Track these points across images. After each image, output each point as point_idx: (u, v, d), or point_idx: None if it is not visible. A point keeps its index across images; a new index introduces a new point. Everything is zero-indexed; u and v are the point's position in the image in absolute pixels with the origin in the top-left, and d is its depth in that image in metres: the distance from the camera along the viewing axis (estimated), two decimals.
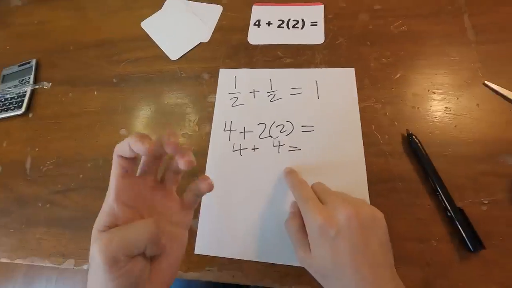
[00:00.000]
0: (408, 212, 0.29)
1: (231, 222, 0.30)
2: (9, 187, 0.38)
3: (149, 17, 0.48)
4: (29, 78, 0.45)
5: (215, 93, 0.39)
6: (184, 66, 0.42)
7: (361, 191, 0.30)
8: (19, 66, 0.46)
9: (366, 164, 0.31)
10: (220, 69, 0.41)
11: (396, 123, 0.33)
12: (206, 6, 0.47)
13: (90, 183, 0.36)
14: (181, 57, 0.43)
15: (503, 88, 0.34)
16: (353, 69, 0.37)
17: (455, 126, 0.33)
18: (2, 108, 0.43)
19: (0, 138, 0.42)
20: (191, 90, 0.40)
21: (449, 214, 0.27)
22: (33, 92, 0.44)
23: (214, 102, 0.38)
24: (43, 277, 1.06)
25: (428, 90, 0.35)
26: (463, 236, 0.26)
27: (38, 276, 1.07)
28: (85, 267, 0.32)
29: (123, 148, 0.20)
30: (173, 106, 0.40)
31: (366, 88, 0.36)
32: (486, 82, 0.34)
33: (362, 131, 0.33)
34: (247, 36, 0.43)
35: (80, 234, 0.34)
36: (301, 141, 0.33)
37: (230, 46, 0.43)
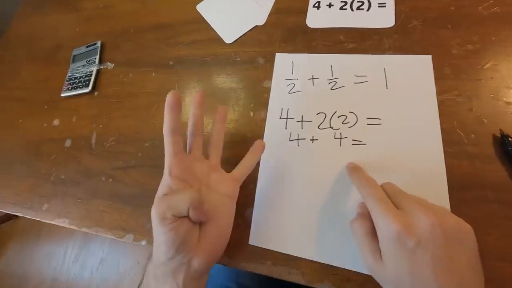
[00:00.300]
0: (502, 227, 0.25)
1: (287, 215, 0.29)
2: (77, 159, 0.42)
3: (204, 0, 0.47)
4: (95, 58, 0.47)
5: (270, 78, 0.37)
6: (238, 49, 0.41)
7: (440, 197, 0.26)
8: (87, 47, 0.50)
9: (446, 166, 0.27)
10: (276, 54, 0.39)
11: (485, 121, 0.29)
12: None
13: (148, 162, 0.38)
14: (236, 40, 0.42)
15: None
16: (430, 56, 0.33)
17: None
18: (72, 86, 0.47)
19: (70, 113, 0.46)
20: (246, 75, 0.39)
21: None
22: (98, 72, 0.47)
23: (270, 87, 0.37)
24: (98, 237, 1.19)
25: None
26: None
27: (95, 235, 1.21)
28: (143, 243, 0.34)
29: (171, 119, 0.25)
30: (227, 90, 0.39)
31: (447, 79, 0.31)
32: None
33: (441, 127, 0.29)
34: (305, 19, 0.40)
35: (139, 211, 0.36)
36: (367, 134, 0.30)
37: (287, 29, 0.40)
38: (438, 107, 0.30)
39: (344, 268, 0.26)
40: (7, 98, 0.53)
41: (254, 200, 0.31)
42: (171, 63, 0.44)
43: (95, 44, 0.49)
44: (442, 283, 0.18)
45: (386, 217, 0.20)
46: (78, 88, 0.46)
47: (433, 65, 0.32)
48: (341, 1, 0.40)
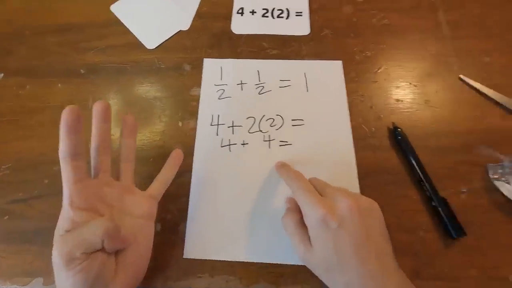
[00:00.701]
0: (396, 204, 0.30)
1: (221, 222, 0.29)
2: None
3: (118, 0, 0.43)
4: None
5: (198, 85, 0.37)
6: (162, 56, 0.39)
7: (352, 185, 0.30)
8: None
9: (356, 158, 0.31)
10: (205, 59, 0.38)
11: (381, 116, 0.34)
12: None
13: (59, 188, 0.32)
14: (159, 46, 0.40)
15: (476, 82, 0.36)
16: (341, 62, 0.37)
17: (434, 119, 0.34)
18: None
19: None
20: (172, 83, 0.37)
21: (433, 204, 0.29)
22: None
23: (198, 95, 0.36)
24: None
25: (410, 83, 0.36)
26: (447, 225, 0.27)
27: None
28: None
29: (66, 142, 0.21)
30: (152, 99, 0.36)
31: (353, 81, 0.36)
32: (461, 76, 0.36)
33: (351, 124, 0.33)
34: (230, 24, 0.41)
35: (49, 248, 0.29)
36: (292, 135, 0.33)
37: (212, 35, 0.40)
38: (348, 107, 0.34)
39: (278, 264, 0.28)
40: None
41: (187, 214, 0.30)
42: (82, 71, 0.39)
43: None
44: (362, 256, 0.21)
45: (312, 205, 0.22)
46: None
47: (343, 69, 0.37)
48: (263, 9, 0.42)
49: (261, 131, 0.33)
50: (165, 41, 0.40)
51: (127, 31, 0.41)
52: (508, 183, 0.29)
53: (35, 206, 0.31)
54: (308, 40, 0.39)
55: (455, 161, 0.32)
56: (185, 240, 0.29)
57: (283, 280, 0.27)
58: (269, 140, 0.32)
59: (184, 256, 0.28)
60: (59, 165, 0.33)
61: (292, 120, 0.33)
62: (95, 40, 0.40)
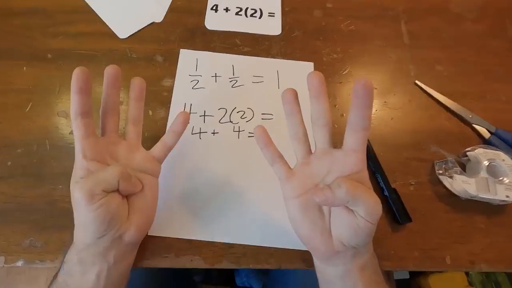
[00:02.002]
0: None
1: (188, 203, 0.30)
2: None
3: None
4: None
5: (170, 77, 0.37)
6: (134, 46, 0.39)
7: None
8: None
9: None
10: (181, 50, 0.39)
11: (344, 115, 0.37)
12: None
13: (21, 170, 0.31)
14: (131, 35, 0.40)
15: (429, 88, 0.39)
16: (312, 63, 0.40)
17: (391, 119, 0.37)
18: None
19: None
20: (143, 73, 0.36)
21: (384, 193, 0.31)
22: None
23: (170, 86, 0.36)
24: None
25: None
26: (395, 212, 0.30)
27: None
28: (19, 263, 0.28)
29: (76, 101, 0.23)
30: (122, 89, 0.36)
31: None
32: (416, 81, 0.40)
33: None
34: (204, 20, 0.42)
35: (12, 228, 0.29)
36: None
37: (186, 29, 0.41)
38: None
39: (240, 244, 0.29)
40: None
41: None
42: (49, 56, 0.37)
43: None
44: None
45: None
46: None
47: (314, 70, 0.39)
48: (237, 7, 0.44)
49: (231, 122, 0.34)
50: (137, 32, 0.40)
51: (97, 19, 0.40)
52: (450, 177, 0.33)
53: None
54: (279, 40, 0.41)
55: (407, 157, 0.35)
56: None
57: (244, 260, 0.29)
58: (239, 131, 0.34)
59: (150, 234, 0.29)
60: (24, 148, 0.33)
61: (262, 114, 0.35)
62: (63, 25, 0.39)
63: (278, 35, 0.41)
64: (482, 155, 0.32)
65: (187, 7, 0.42)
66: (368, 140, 0.34)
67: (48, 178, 0.31)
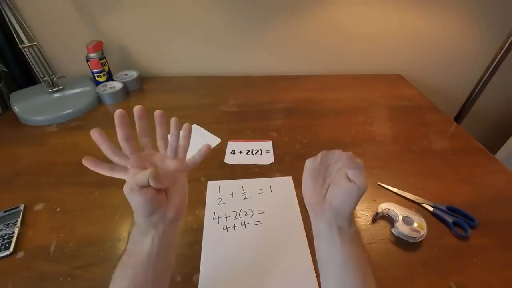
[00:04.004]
0: None
1: (224, 277, 0.44)
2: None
3: None
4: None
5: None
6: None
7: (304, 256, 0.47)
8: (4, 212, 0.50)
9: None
10: (208, 182, 0.61)
11: None
12: (210, 135, 0.73)
13: (111, 257, 0.45)
14: None
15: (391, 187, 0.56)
16: (291, 177, 0.60)
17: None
18: None
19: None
20: (191, 190, 0.58)
21: None
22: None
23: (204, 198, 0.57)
24: None
25: None
26: None
27: None
28: None
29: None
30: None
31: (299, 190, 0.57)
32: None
33: (299, 207, 0.53)
34: (224, 158, 0.67)
35: None
36: (259, 219, 0.52)
37: (213, 164, 0.65)
38: (298, 203, 0.54)
39: None
40: None
41: (199, 269, 0.44)
42: None
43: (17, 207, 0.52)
44: None
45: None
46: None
47: (296, 181, 0.59)
48: (246, 149, 0.70)
49: (240, 217, 0.53)
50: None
51: None
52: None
53: (91, 270, 0.44)
54: (275, 164, 0.64)
55: None
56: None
57: None
58: (245, 224, 0.52)
59: None
60: (112, 242, 0.49)
61: (258, 210, 0.54)
62: None
63: (271, 163, 0.65)
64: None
65: (217, 149, 0.69)
66: None
67: None
